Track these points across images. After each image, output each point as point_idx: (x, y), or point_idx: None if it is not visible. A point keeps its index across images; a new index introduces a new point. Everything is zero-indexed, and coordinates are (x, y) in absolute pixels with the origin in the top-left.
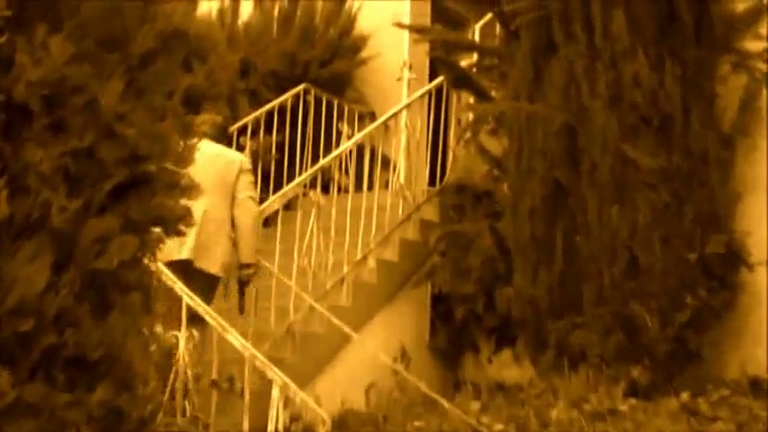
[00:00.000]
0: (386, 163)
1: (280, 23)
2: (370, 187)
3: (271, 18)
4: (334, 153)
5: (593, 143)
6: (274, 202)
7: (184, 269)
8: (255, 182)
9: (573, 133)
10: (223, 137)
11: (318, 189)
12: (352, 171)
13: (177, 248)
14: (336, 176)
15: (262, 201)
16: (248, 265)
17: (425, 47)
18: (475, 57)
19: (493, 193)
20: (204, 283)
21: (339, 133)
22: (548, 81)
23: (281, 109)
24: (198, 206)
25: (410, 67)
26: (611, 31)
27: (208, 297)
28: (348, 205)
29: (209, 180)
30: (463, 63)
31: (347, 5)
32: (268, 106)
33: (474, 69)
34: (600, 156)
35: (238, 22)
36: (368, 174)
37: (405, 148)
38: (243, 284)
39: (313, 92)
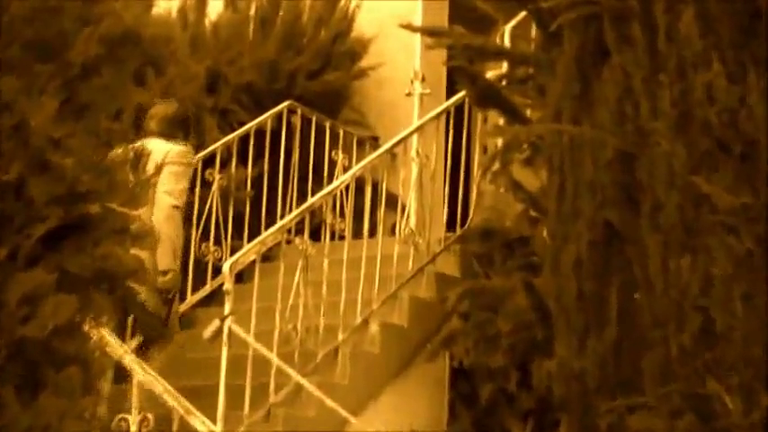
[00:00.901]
0: (392, 202)
1: (257, 24)
2: (373, 233)
3: (246, 17)
4: (327, 189)
5: (655, 176)
6: (250, 251)
7: None
8: (224, 223)
9: (630, 163)
10: (179, 129)
11: (306, 235)
12: (349, 212)
13: None
14: (329, 219)
15: (234, 250)
16: (164, 273)
17: (442, 54)
18: (505, 66)
19: (528, 239)
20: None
21: (333, 164)
22: (597, 96)
23: (259, 133)
24: None
25: (422, 80)
26: (679, 32)
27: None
28: (344, 255)
29: None
30: (490, 74)
31: (343, 2)
32: (242, 130)
33: (504, 82)
34: (664, 192)
35: (205, 22)
36: (369, 215)
37: (416, 182)
38: (165, 297)
39: (299, 111)
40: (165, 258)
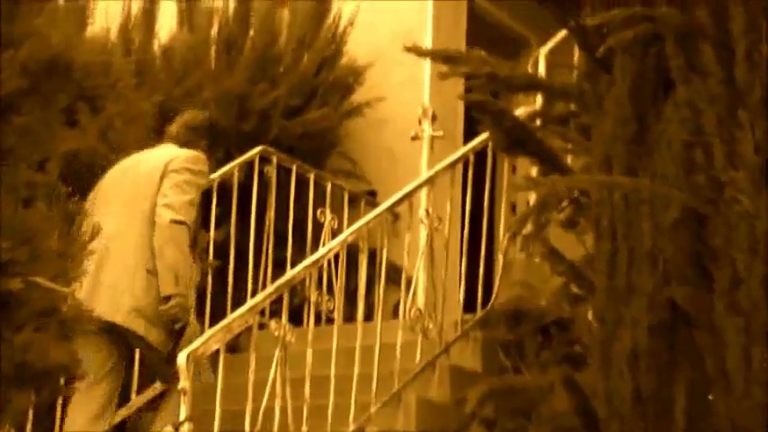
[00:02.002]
0: (394, 275)
1: (220, 48)
2: (369, 315)
3: (205, 39)
4: (311, 259)
5: (733, 242)
6: (213, 338)
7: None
8: None
9: (700, 226)
10: (202, 139)
11: (285, 318)
12: (339, 288)
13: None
14: (314, 297)
15: None
16: (167, 298)
17: (458, 85)
18: (539, 101)
19: (569, 323)
20: (113, 343)
21: (319, 226)
22: (658, 140)
23: (224, 186)
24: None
25: (433, 119)
26: (762, 56)
27: (119, 364)
28: (333, 344)
29: (122, 195)
30: (520, 111)
31: (330, 20)
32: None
33: (538, 121)
34: (745, 262)
35: (154, 45)
36: (365, 293)
37: (425, 250)
38: (170, 328)
39: (275, 159)
40: (165, 283)
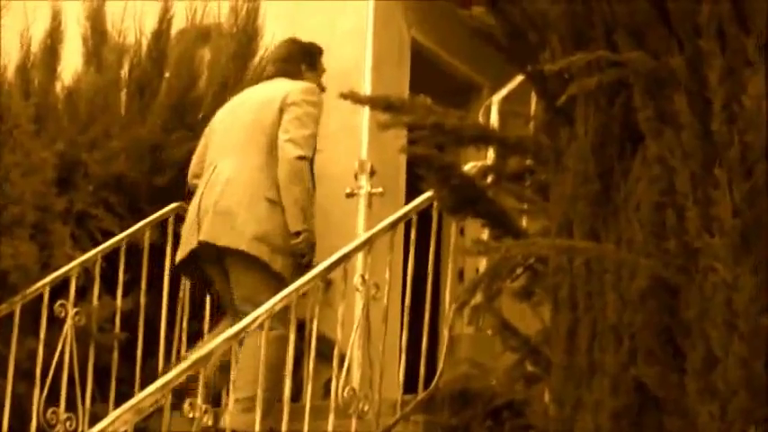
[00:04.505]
0: (326, 349)
1: (132, 90)
2: (297, 396)
3: (115, 80)
4: (231, 330)
5: (709, 316)
6: (119, 419)
7: (217, 258)
8: (81, 379)
9: (672, 297)
10: (300, 64)
11: (201, 398)
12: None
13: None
14: (234, 375)
15: (95, 419)
16: (296, 234)
17: (400, 137)
18: (491, 155)
19: (524, 406)
20: (243, 270)
21: None
22: (625, 200)
23: (134, 248)
24: (223, 168)
25: (371, 174)
26: (743, 107)
27: (256, 289)
28: (256, 428)
29: (241, 131)
30: (469, 166)
31: (257, 60)
32: (109, 243)
33: (489, 178)
34: (722, 339)
35: (56, 87)
36: (292, 369)
37: (361, 321)
38: (298, 262)
39: None
40: (293, 219)
